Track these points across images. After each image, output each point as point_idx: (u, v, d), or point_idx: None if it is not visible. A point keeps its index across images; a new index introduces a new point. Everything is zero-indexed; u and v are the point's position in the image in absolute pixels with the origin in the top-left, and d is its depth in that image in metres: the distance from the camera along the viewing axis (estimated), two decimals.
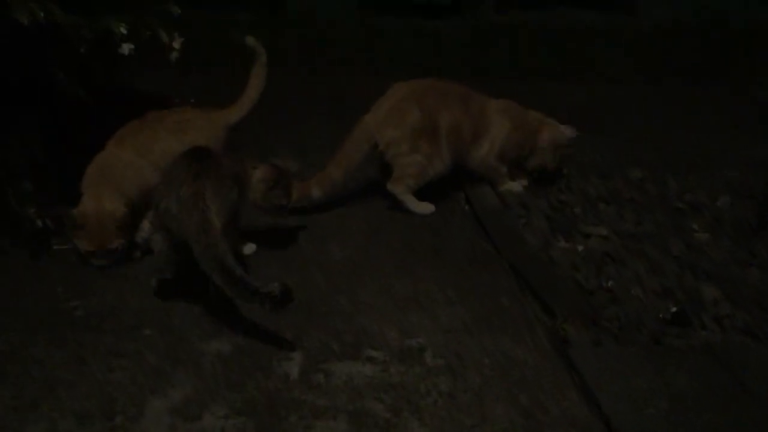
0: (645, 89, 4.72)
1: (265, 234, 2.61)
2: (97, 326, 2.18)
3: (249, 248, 2.53)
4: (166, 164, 2.35)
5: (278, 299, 1.99)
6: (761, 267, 2.62)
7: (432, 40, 5.47)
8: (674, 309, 2.35)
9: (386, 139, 2.88)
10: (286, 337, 2.15)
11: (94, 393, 1.91)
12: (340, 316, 2.27)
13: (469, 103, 3.01)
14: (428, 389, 1.97)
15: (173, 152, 2.39)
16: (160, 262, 2.26)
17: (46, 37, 2.47)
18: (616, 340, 2.21)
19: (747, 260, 2.66)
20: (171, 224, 2.14)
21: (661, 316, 2.32)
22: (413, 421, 1.86)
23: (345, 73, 4.74)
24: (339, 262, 2.56)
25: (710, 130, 3.98)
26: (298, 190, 2.69)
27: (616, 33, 5.66)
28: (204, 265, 2.05)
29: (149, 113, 2.64)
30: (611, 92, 4.63)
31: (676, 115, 4.25)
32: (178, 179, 2.16)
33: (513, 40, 5.51)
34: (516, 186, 3.14)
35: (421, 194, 2.95)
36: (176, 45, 2.76)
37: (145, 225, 2.47)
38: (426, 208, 2.95)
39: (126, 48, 2.57)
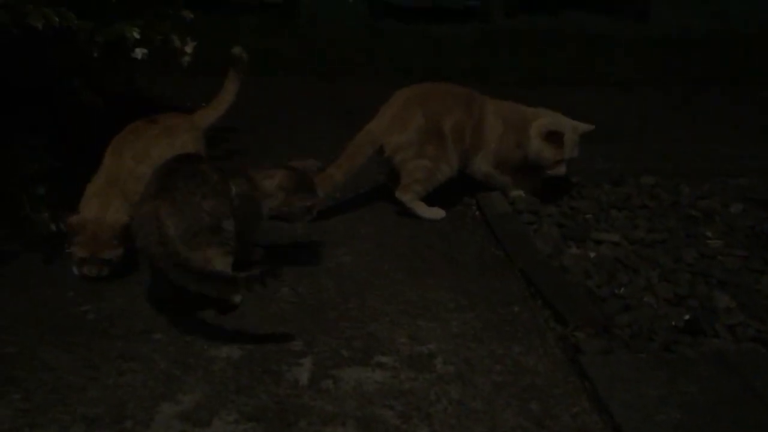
0: (656, 96, 4.70)
1: (275, 240, 2.61)
2: (108, 331, 2.18)
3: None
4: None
5: (262, 278, 2.01)
6: None
7: (441, 45, 5.48)
8: (687, 317, 2.33)
9: (392, 145, 2.88)
10: (295, 343, 2.14)
11: (104, 397, 1.91)
12: (350, 322, 2.26)
13: (471, 106, 2.99)
14: (438, 396, 1.96)
15: (164, 157, 2.47)
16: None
17: (60, 42, 2.49)
18: (627, 347, 2.19)
19: (760, 268, 2.64)
20: (137, 242, 2.17)
21: (673, 323, 2.31)
22: (423, 428, 1.85)
23: (354, 79, 4.75)
24: (349, 268, 2.56)
25: (723, 137, 3.97)
26: None
27: (627, 39, 5.66)
28: (172, 276, 2.06)
29: (137, 122, 2.65)
30: (622, 99, 4.63)
31: (688, 122, 4.24)
32: (142, 197, 2.22)
33: (522, 45, 5.50)
34: (523, 193, 3.12)
35: (431, 199, 2.95)
36: (188, 49, 2.78)
37: None
38: (436, 213, 2.94)
39: (139, 52, 2.59)
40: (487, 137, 3.01)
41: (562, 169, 2.99)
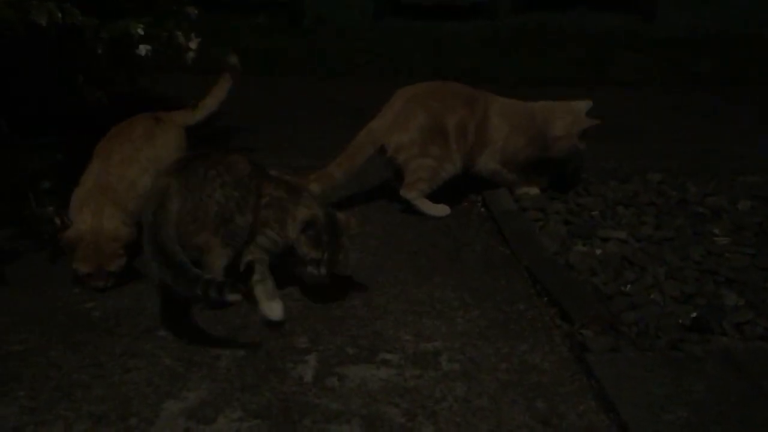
0: (662, 95, 4.69)
1: None
2: (113, 328, 2.18)
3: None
4: (150, 172, 2.47)
5: (221, 287, 1.97)
6: None
7: (447, 44, 5.47)
8: (694, 314, 2.31)
9: (394, 144, 2.87)
10: (300, 340, 2.14)
11: (109, 395, 1.91)
12: (355, 319, 2.26)
13: (474, 105, 2.97)
14: (444, 394, 1.96)
15: (151, 158, 2.53)
16: None
17: (64, 38, 2.49)
18: (634, 345, 2.18)
19: None
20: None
21: (680, 321, 2.29)
22: (428, 426, 1.84)
23: (359, 78, 4.75)
24: (355, 266, 2.55)
25: (729, 134, 3.95)
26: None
27: (633, 37, 5.64)
28: (148, 248, 2.04)
29: (120, 124, 2.63)
30: (629, 96, 4.61)
31: (695, 119, 4.22)
32: (162, 172, 2.24)
33: (528, 43, 5.49)
34: (533, 190, 3.11)
35: (435, 196, 2.94)
36: (193, 46, 2.78)
37: None
38: (442, 210, 2.93)
39: (143, 49, 2.59)
40: (492, 135, 2.99)
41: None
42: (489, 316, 2.30)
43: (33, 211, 2.53)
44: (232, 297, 2.02)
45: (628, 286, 2.48)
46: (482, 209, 3.02)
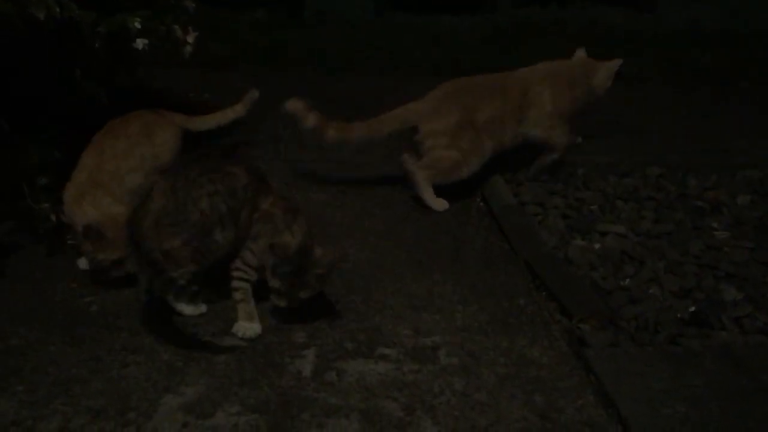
0: (663, 89, 4.67)
1: None
2: (112, 323, 2.18)
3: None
4: (145, 169, 2.49)
5: (181, 288, 2.00)
6: None
7: (448, 37, 5.45)
8: (693, 309, 2.31)
9: (428, 130, 2.93)
10: (299, 335, 2.14)
11: (108, 389, 1.91)
12: (354, 314, 2.26)
13: (509, 90, 3.04)
14: (442, 388, 1.95)
15: (146, 156, 2.53)
16: None
17: (62, 33, 2.48)
18: (633, 340, 2.18)
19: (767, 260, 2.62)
20: None
21: (679, 316, 2.29)
22: (426, 420, 1.84)
23: (360, 73, 4.73)
24: (354, 261, 2.55)
25: (729, 129, 3.94)
26: (319, 124, 2.88)
27: (634, 32, 5.62)
28: (126, 244, 2.05)
29: (115, 119, 2.62)
30: (629, 91, 4.59)
31: (694, 114, 4.21)
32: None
33: (530, 38, 5.47)
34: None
35: (438, 191, 2.94)
36: (190, 39, 2.77)
37: None
38: (441, 204, 2.94)
39: (140, 43, 2.58)
40: (538, 105, 3.06)
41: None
42: (488, 310, 2.30)
43: (30, 206, 2.52)
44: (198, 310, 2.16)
45: (627, 280, 2.48)
46: (481, 204, 3.02)
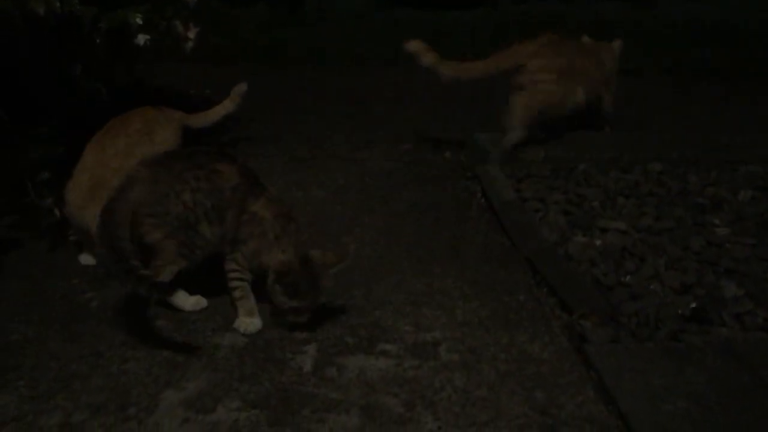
0: (663, 83, 4.67)
1: None
2: (112, 318, 2.18)
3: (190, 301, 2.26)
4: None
5: (155, 286, 1.97)
6: None
7: (449, 32, 5.44)
8: (693, 305, 2.31)
9: (535, 66, 3.27)
10: (299, 330, 2.14)
11: (109, 385, 1.91)
12: (355, 310, 2.26)
13: (595, 54, 3.52)
14: (442, 384, 1.96)
15: (146, 153, 2.44)
16: None
17: (62, 28, 2.48)
18: (633, 336, 2.18)
19: None
20: None
21: (680, 312, 2.29)
22: (427, 416, 1.84)
23: (360, 68, 4.73)
24: (354, 257, 2.54)
25: (730, 124, 3.94)
26: (435, 62, 3.25)
27: (635, 25, 5.61)
28: (96, 232, 2.02)
29: (115, 119, 2.59)
30: (630, 85, 4.58)
31: (695, 109, 4.21)
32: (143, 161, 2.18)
33: (531, 32, 5.46)
34: None
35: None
36: (191, 35, 2.77)
37: None
38: (509, 140, 3.28)
39: (141, 39, 2.58)
40: (606, 71, 3.55)
41: None
42: (488, 306, 2.30)
43: (32, 201, 2.52)
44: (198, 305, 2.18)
45: (628, 276, 2.48)
46: (482, 200, 3.02)
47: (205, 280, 2.21)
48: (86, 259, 2.39)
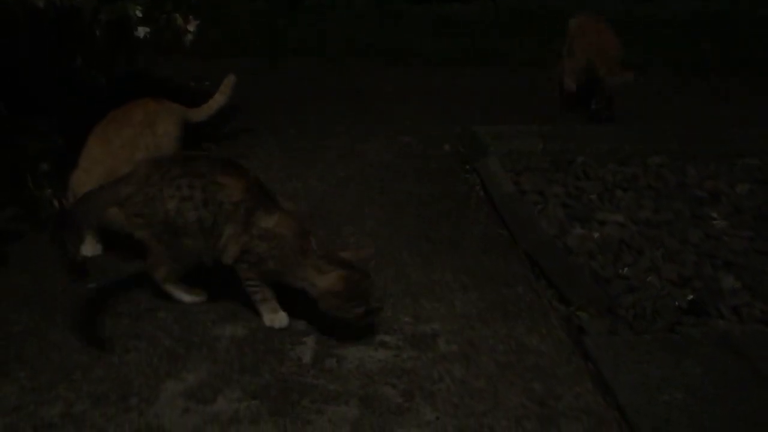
0: (662, 77, 4.67)
1: None
2: (113, 309, 2.19)
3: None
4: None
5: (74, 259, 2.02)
6: None
7: (449, 25, 5.44)
8: (691, 297, 2.32)
9: (604, 62, 3.66)
10: (299, 322, 2.15)
11: (110, 375, 1.92)
12: None
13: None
14: (441, 375, 1.97)
15: (149, 145, 2.51)
16: None
17: (62, 21, 2.48)
18: (631, 328, 2.19)
19: (766, 249, 2.63)
20: None
21: (677, 304, 2.30)
22: (425, 407, 1.85)
23: (361, 61, 4.73)
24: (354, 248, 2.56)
25: (729, 118, 3.94)
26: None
27: (635, 19, 5.61)
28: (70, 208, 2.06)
29: (116, 110, 2.59)
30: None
31: (694, 103, 4.21)
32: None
33: (531, 25, 5.46)
34: None
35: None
36: (191, 28, 2.77)
37: None
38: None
39: (141, 31, 2.58)
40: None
41: None
42: (487, 298, 2.31)
43: (32, 193, 2.53)
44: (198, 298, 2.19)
45: (626, 269, 2.49)
46: (481, 192, 3.03)
47: (205, 272, 2.22)
48: (88, 249, 2.40)
